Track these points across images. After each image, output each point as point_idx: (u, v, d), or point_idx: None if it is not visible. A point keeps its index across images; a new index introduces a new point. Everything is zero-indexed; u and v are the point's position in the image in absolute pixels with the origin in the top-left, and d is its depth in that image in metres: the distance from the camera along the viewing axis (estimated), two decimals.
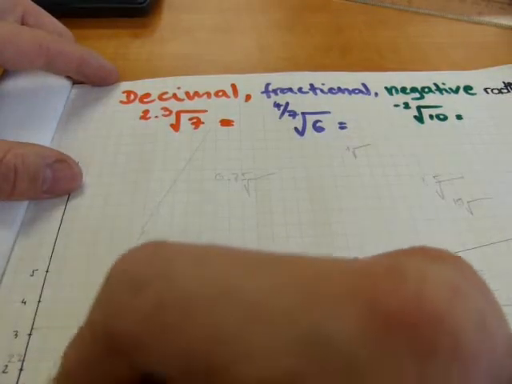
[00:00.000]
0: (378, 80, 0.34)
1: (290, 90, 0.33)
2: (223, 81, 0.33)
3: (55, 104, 0.31)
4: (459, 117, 0.31)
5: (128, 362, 0.10)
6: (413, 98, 0.32)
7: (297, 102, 0.32)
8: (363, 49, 0.37)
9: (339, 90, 0.33)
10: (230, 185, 0.27)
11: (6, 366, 0.21)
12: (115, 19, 0.38)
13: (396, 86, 0.33)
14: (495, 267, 0.24)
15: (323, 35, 0.38)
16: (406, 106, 0.32)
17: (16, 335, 0.21)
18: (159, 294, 0.10)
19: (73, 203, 0.26)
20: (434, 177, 0.28)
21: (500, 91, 0.33)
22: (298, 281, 0.10)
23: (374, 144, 0.29)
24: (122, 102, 0.32)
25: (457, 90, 0.33)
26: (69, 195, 0.26)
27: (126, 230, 0.25)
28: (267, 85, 0.33)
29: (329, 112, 0.31)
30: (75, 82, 0.33)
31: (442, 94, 0.33)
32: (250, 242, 0.25)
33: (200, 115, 0.31)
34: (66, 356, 0.12)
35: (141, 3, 0.38)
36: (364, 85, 0.33)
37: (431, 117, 0.31)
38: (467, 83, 0.34)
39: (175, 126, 0.30)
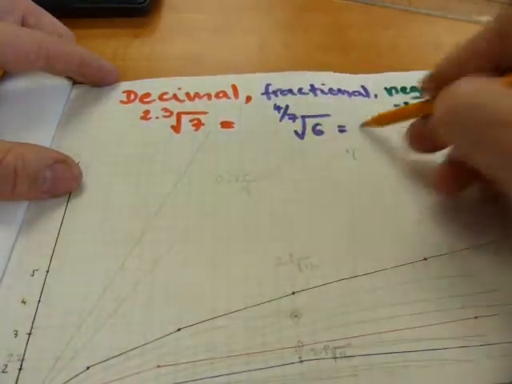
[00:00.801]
0: (377, 81, 0.33)
1: (291, 91, 0.32)
2: (223, 81, 0.33)
3: (55, 104, 0.31)
4: None
5: None
6: (413, 98, 0.32)
7: (297, 105, 0.32)
8: (363, 49, 0.37)
9: (339, 91, 0.33)
10: (231, 186, 0.27)
11: (6, 365, 0.21)
12: (115, 19, 0.38)
13: (396, 86, 0.33)
14: (495, 267, 0.24)
15: (323, 35, 0.38)
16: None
17: (16, 335, 0.22)
18: None
19: (73, 203, 0.26)
20: None
21: None
22: None
23: (374, 146, 0.29)
24: (122, 101, 0.32)
25: None
26: (69, 195, 0.27)
27: (127, 231, 0.25)
28: (267, 86, 0.33)
29: (328, 115, 0.31)
30: (75, 82, 0.33)
31: None
32: (250, 242, 0.25)
33: (200, 117, 0.31)
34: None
35: (141, 3, 0.38)
36: (363, 87, 0.33)
37: None
38: None
39: (176, 128, 0.30)
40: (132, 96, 0.32)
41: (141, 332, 0.22)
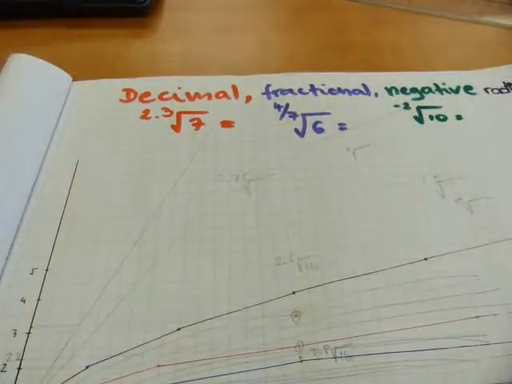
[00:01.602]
0: (378, 80, 0.34)
1: (291, 91, 0.33)
2: (224, 82, 0.33)
3: (55, 102, 0.31)
4: (459, 117, 0.31)
5: None
6: (413, 99, 0.32)
7: (297, 103, 0.32)
8: (363, 49, 0.37)
9: (339, 90, 0.33)
10: (231, 185, 0.27)
11: (5, 364, 0.21)
12: (115, 19, 0.38)
13: (396, 86, 0.33)
14: (495, 266, 0.24)
15: (323, 35, 0.38)
16: (406, 106, 0.32)
17: (15, 334, 0.21)
18: None
19: (73, 203, 0.26)
20: (434, 177, 0.28)
21: (500, 91, 0.33)
22: None
23: (374, 145, 0.29)
24: (121, 100, 0.32)
25: (457, 90, 0.33)
26: (68, 194, 0.26)
27: (127, 230, 0.25)
28: (267, 86, 0.33)
29: (329, 113, 0.31)
30: (75, 79, 0.33)
31: (442, 94, 0.33)
32: (251, 242, 0.25)
33: (201, 116, 0.31)
34: None
35: (141, 3, 0.38)
36: (364, 85, 0.33)
37: (431, 117, 0.31)
38: (467, 83, 0.34)
39: (176, 127, 0.30)
40: (132, 95, 0.32)
41: (140, 331, 0.22)
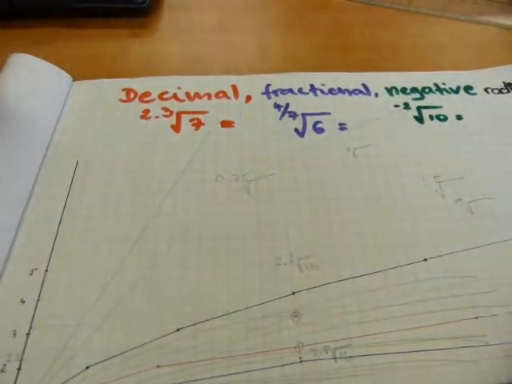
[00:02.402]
0: (378, 80, 0.34)
1: (291, 90, 0.33)
2: (224, 82, 0.33)
3: (55, 102, 0.31)
4: (459, 117, 0.31)
5: None
6: (413, 99, 0.32)
7: (297, 103, 0.32)
8: (363, 49, 0.37)
9: (339, 90, 0.33)
10: (231, 186, 0.27)
11: (5, 365, 0.21)
12: (115, 19, 0.38)
13: (396, 86, 0.33)
14: (495, 267, 0.24)
15: (323, 35, 0.38)
16: (406, 106, 0.32)
17: (14, 334, 0.21)
18: None
19: (72, 202, 0.26)
20: (434, 177, 0.28)
21: (500, 91, 0.33)
22: None
23: (374, 145, 0.29)
24: (121, 100, 0.32)
25: (457, 90, 0.33)
26: (68, 194, 0.26)
27: (126, 230, 0.25)
28: (267, 86, 0.33)
29: (329, 113, 0.31)
30: (75, 79, 0.33)
31: (443, 94, 0.33)
32: (251, 242, 0.25)
33: (200, 116, 0.31)
34: None
35: (141, 3, 0.38)
36: (364, 85, 0.33)
37: (431, 117, 0.31)
38: (467, 83, 0.34)
39: (176, 127, 0.30)
40: (132, 94, 0.32)
41: (140, 332, 0.22)
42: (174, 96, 0.32)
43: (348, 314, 0.22)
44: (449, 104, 0.32)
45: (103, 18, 0.38)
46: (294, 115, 0.31)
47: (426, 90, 0.33)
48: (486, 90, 0.33)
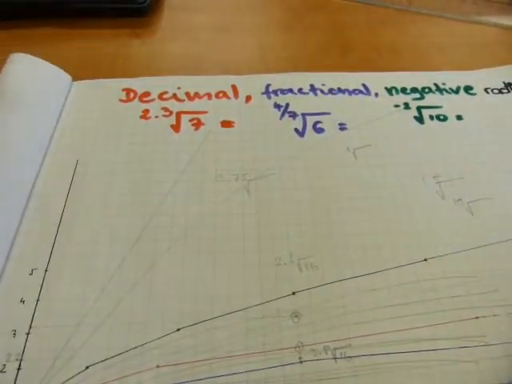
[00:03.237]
0: (378, 80, 0.34)
1: (291, 90, 0.33)
2: (224, 82, 0.33)
3: (55, 101, 0.31)
4: (459, 117, 0.31)
5: None
6: (413, 99, 0.32)
7: (297, 103, 0.32)
8: (363, 49, 0.37)
9: (339, 90, 0.33)
10: (231, 185, 0.27)
11: (4, 365, 0.21)
12: (115, 19, 0.38)
13: (396, 86, 0.33)
14: (495, 267, 0.24)
15: (323, 35, 0.38)
16: (407, 106, 0.32)
17: (14, 334, 0.21)
18: None
19: (72, 202, 0.26)
20: (434, 177, 0.28)
21: (500, 91, 0.33)
22: None
23: (374, 145, 0.29)
24: (121, 100, 0.32)
25: (457, 90, 0.33)
26: (68, 194, 0.26)
27: (126, 230, 0.25)
28: (267, 86, 0.33)
29: (329, 113, 0.31)
30: (75, 79, 0.33)
31: (443, 94, 0.33)
32: (251, 242, 0.25)
33: (200, 116, 0.31)
34: None
35: (141, 3, 0.38)
36: (364, 85, 0.33)
37: (431, 117, 0.31)
38: (467, 83, 0.34)
39: (175, 127, 0.30)
40: (131, 94, 0.32)
41: (140, 331, 0.22)
42: (174, 96, 0.32)
43: (348, 314, 0.22)
44: (449, 104, 0.32)
45: (103, 17, 0.38)
46: (294, 115, 0.31)
47: (426, 90, 0.33)
48: (485, 90, 0.33)
